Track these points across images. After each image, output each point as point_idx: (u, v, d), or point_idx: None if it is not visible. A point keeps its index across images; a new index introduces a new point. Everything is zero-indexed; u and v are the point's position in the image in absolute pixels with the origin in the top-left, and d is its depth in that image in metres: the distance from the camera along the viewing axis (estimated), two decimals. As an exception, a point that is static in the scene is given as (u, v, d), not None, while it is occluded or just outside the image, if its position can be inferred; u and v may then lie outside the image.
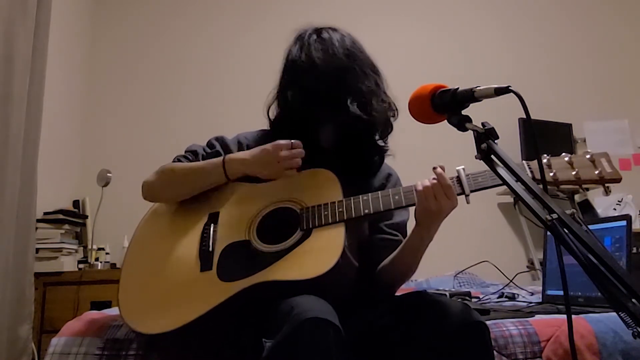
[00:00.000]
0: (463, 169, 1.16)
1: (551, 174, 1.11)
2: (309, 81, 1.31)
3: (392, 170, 1.44)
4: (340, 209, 1.18)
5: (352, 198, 1.20)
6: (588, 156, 1.12)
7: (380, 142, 1.39)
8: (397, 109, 1.38)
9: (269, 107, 1.41)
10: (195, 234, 1.27)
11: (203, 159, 1.35)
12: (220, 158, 1.29)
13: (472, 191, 1.14)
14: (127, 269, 1.27)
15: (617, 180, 1.10)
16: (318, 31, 1.38)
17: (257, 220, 1.24)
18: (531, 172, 1.13)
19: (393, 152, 1.43)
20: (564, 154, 1.14)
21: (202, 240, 1.25)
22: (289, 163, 1.23)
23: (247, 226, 1.23)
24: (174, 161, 1.37)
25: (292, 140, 1.24)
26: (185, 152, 1.40)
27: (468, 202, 1.13)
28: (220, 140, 1.40)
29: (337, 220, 1.17)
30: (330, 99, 1.31)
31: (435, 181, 1.13)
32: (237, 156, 1.29)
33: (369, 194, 1.20)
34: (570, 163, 1.12)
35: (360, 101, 1.30)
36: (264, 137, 1.40)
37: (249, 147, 1.37)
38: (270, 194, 1.28)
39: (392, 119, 1.38)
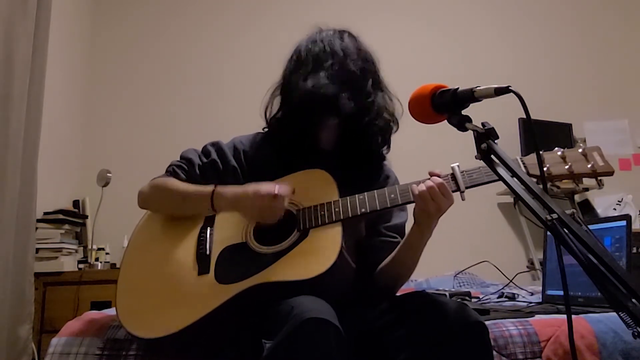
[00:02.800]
0: (457, 165, 1.16)
1: (545, 168, 1.11)
2: (329, 65, 1.31)
3: (391, 172, 1.44)
4: (337, 209, 1.18)
5: (348, 197, 1.20)
6: (580, 150, 1.13)
7: (383, 150, 1.40)
8: (397, 122, 1.38)
9: (267, 107, 1.40)
10: (192, 238, 1.26)
11: (199, 169, 1.33)
12: (210, 189, 1.23)
13: (467, 187, 1.14)
14: (125, 272, 1.26)
15: (610, 173, 1.11)
16: (335, 30, 1.40)
17: (253, 222, 1.24)
18: (525, 167, 1.13)
19: (389, 161, 1.43)
20: (556, 148, 1.15)
21: (199, 243, 1.24)
22: (264, 216, 1.16)
23: (244, 228, 1.23)
24: (168, 169, 1.34)
25: (277, 188, 1.14)
26: (181, 158, 1.37)
27: (463, 199, 1.14)
28: (216, 146, 1.37)
29: (334, 220, 1.17)
30: (351, 84, 1.30)
31: (430, 183, 1.13)
32: (224, 192, 1.22)
33: (365, 193, 1.20)
34: (563, 157, 1.13)
35: (378, 94, 1.34)
36: (261, 140, 1.40)
37: (245, 152, 1.37)
38: None
39: (392, 130, 1.38)
